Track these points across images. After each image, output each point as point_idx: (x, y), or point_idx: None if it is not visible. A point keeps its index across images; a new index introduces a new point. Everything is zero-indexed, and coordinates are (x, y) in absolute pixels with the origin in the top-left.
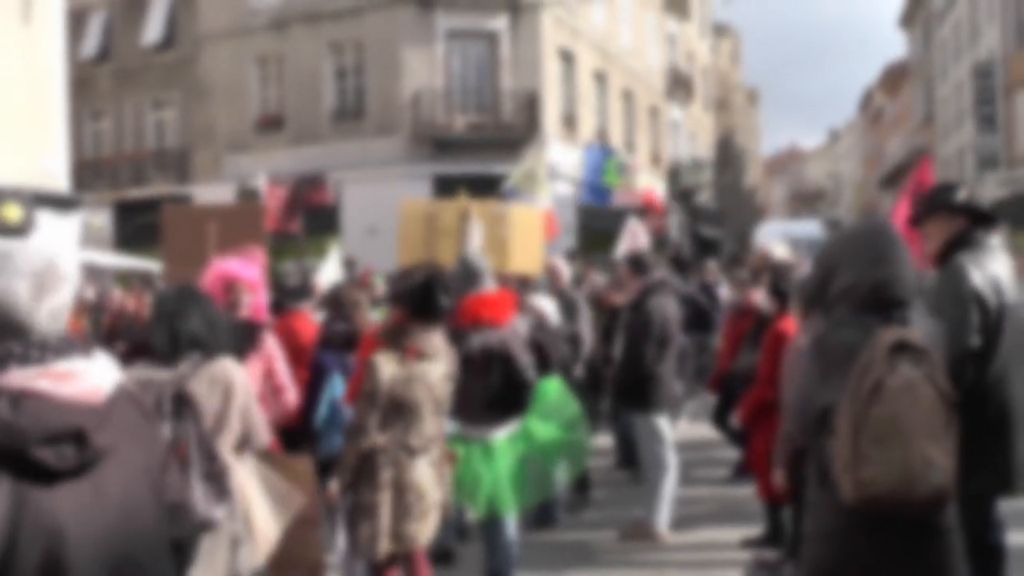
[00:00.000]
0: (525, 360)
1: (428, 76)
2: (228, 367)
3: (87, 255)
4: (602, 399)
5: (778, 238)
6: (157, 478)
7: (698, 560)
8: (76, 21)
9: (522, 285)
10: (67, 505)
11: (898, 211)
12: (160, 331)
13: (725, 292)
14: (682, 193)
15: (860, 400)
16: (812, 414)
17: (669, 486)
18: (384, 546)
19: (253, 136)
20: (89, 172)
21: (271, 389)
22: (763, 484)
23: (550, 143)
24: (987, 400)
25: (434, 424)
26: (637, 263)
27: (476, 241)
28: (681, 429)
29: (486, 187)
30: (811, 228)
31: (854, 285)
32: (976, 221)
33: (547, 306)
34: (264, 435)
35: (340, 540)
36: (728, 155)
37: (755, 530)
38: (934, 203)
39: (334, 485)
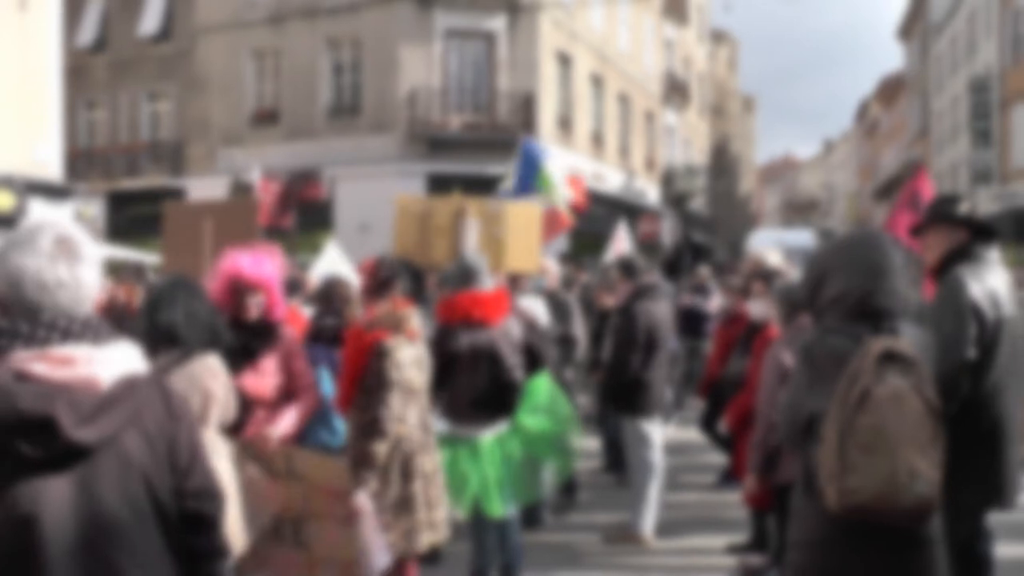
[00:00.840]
0: (513, 361)
1: (425, 74)
2: (209, 368)
3: None
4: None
5: (771, 246)
6: (161, 474)
7: (683, 565)
8: (72, 10)
9: (511, 285)
10: (44, 496)
11: (894, 222)
12: (140, 322)
13: (717, 299)
14: (675, 199)
15: (847, 408)
16: (799, 421)
17: (655, 490)
18: (425, 538)
19: (248, 130)
20: (83, 162)
21: (292, 391)
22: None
23: (545, 145)
24: (981, 413)
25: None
26: (627, 267)
27: (472, 239)
28: (669, 433)
29: (480, 187)
30: (804, 238)
31: (844, 293)
32: (976, 234)
33: (536, 307)
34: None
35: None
36: (723, 162)
37: (741, 536)
38: (935, 214)
39: (371, 485)
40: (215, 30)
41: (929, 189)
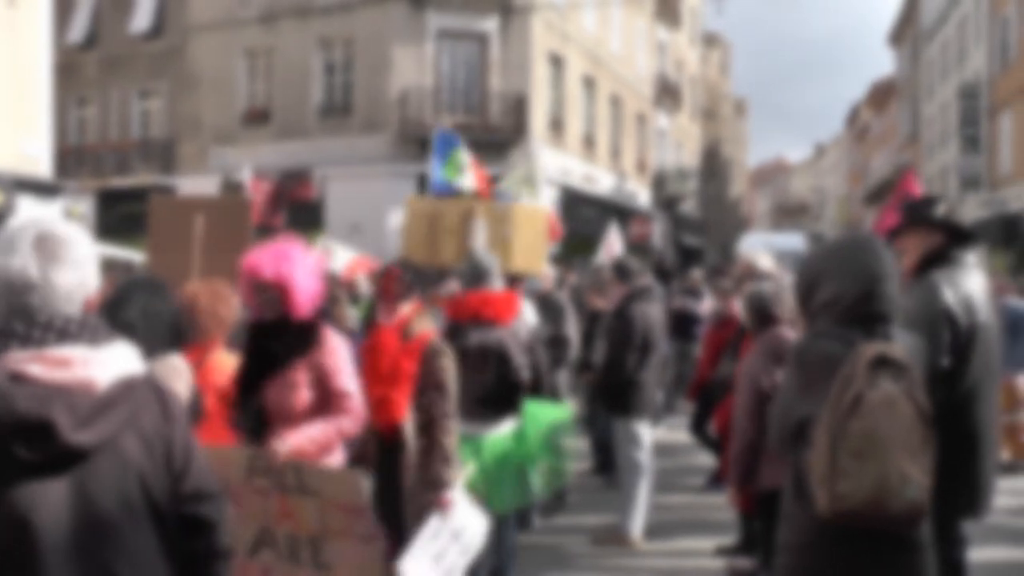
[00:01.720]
0: (520, 360)
1: (417, 75)
2: (173, 367)
3: None
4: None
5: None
6: (158, 476)
7: (671, 567)
8: (63, 6)
9: (509, 285)
10: (40, 498)
11: (882, 223)
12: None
13: (708, 302)
14: (667, 201)
15: (839, 413)
16: (790, 425)
17: (644, 492)
18: None
19: (239, 129)
20: (72, 159)
21: (326, 396)
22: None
23: (536, 146)
24: (955, 420)
25: None
26: (621, 270)
27: (480, 240)
28: (658, 436)
29: None
30: (795, 241)
31: (837, 297)
32: (954, 238)
33: (525, 310)
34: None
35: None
36: (714, 165)
37: (729, 538)
38: (913, 217)
39: (456, 478)
40: (207, 28)
41: (916, 189)
